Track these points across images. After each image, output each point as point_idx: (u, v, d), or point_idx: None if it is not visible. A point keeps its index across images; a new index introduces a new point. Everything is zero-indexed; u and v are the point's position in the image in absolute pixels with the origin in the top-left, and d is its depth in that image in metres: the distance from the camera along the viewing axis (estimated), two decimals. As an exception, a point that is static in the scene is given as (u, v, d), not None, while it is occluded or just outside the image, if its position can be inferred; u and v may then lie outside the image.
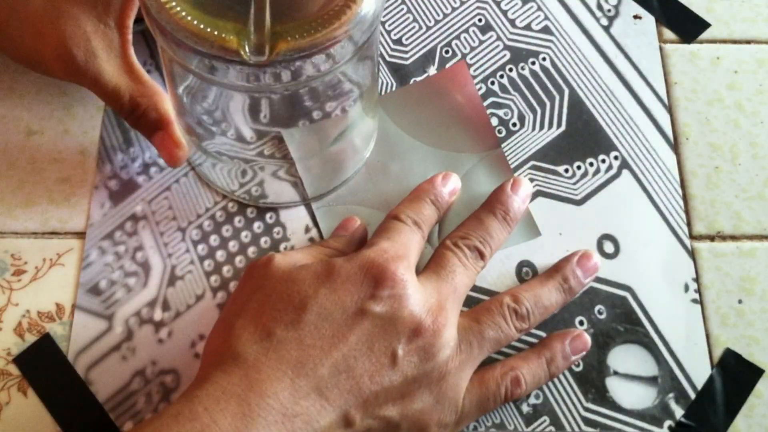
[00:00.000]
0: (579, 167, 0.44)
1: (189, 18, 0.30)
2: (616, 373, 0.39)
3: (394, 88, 0.46)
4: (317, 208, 0.42)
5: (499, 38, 0.47)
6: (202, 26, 0.30)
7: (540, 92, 0.46)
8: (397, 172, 0.43)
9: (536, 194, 0.43)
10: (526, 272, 0.41)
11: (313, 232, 0.42)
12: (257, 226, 0.42)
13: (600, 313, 0.40)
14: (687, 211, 0.43)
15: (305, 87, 0.33)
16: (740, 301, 0.41)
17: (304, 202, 0.42)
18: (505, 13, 0.48)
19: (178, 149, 0.40)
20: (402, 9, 0.48)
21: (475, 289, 0.41)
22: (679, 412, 0.38)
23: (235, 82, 0.32)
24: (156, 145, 0.40)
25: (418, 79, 0.46)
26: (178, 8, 0.31)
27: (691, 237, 0.42)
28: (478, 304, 0.38)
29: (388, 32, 0.47)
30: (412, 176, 0.43)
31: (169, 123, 0.39)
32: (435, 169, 0.43)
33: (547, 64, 0.47)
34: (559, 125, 0.45)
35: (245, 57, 0.30)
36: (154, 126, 0.39)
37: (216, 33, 0.30)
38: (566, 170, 0.44)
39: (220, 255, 0.41)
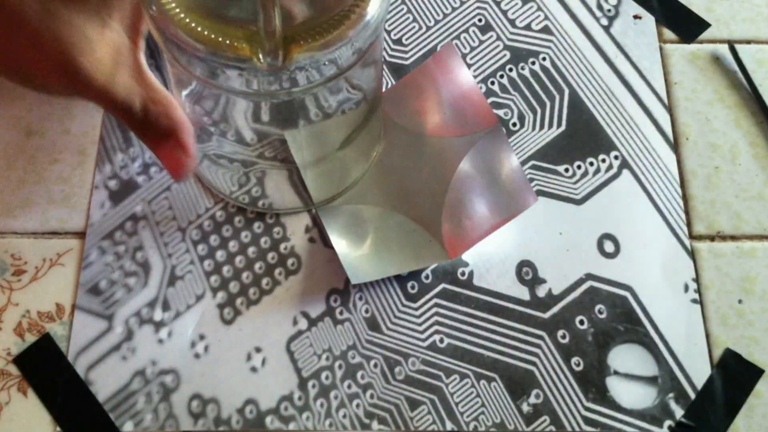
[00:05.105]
0: (579, 167, 0.44)
1: (196, 26, 0.30)
2: (616, 372, 0.39)
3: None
4: (320, 209, 0.42)
5: (499, 38, 0.47)
6: (212, 35, 0.30)
7: (540, 92, 0.46)
8: (399, 167, 0.43)
9: (537, 194, 0.43)
10: (526, 272, 0.41)
11: (314, 232, 0.42)
12: (257, 226, 0.42)
13: (600, 312, 0.40)
14: (687, 211, 0.43)
15: (310, 93, 0.33)
16: (740, 301, 0.41)
17: (306, 208, 0.42)
18: (505, 13, 0.48)
19: (186, 157, 0.36)
20: (402, 9, 0.48)
21: (475, 289, 0.41)
22: (679, 412, 0.38)
23: (241, 89, 0.31)
24: (161, 155, 0.36)
25: (410, 72, 0.46)
26: (183, 15, 0.30)
27: (691, 237, 0.42)
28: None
29: (388, 32, 0.47)
30: (415, 169, 0.43)
31: (180, 130, 0.36)
32: (437, 157, 0.43)
33: (547, 64, 0.47)
34: (559, 125, 0.45)
35: (259, 63, 0.30)
36: (163, 134, 0.36)
37: (227, 41, 0.29)
38: (566, 170, 0.44)
39: (220, 255, 0.41)
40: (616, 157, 0.44)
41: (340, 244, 0.40)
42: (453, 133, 0.43)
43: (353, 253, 0.41)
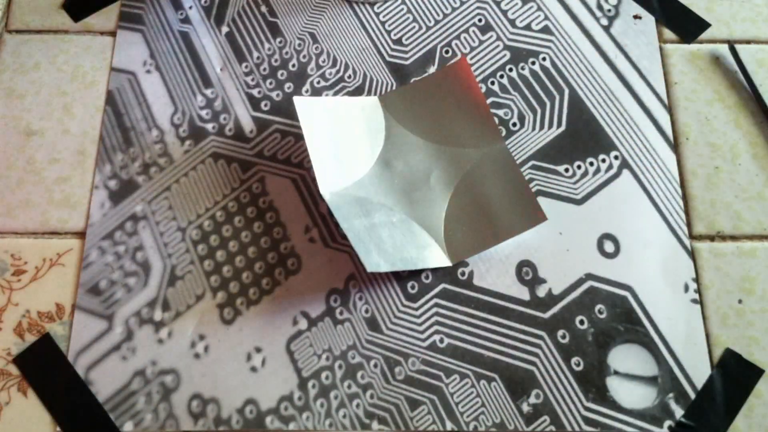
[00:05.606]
0: (579, 167, 0.44)
1: None
2: (616, 372, 0.39)
3: (394, 88, 0.46)
4: (328, 193, 0.41)
5: (499, 38, 0.47)
6: None
7: (540, 92, 0.46)
8: (401, 169, 0.43)
9: (537, 194, 0.43)
10: (526, 272, 0.41)
11: (314, 232, 0.42)
12: (257, 226, 0.42)
13: (600, 312, 0.40)
14: (687, 211, 0.43)
15: None
16: (740, 301, 0.41)
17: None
18: (505, 13, 0.48)
19: None
20: (402, 9, 0.48)
21: (475, 289, 0.41)
22: (679, 412, 0.38)
23: None
24: None
25: (418, 78, 0.46)
26: None
27: (691, 237, 0.42)
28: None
29: (388, 32, 0.47)
30: (416, 173, 0.43)
31: None
32: (438, 165, 0.43)
33: (547, 64, 0.47)
34: (559, 125, 0.45)
35: None
36: None
37: None
38: (566, 170, 0.44)
39: (220, 255, 0.41)
40: (616, 157, 0.44)
41: (351, 230, 0.39)
42: (456, 144, 0.44)
43: (365, 239, 0.40)
